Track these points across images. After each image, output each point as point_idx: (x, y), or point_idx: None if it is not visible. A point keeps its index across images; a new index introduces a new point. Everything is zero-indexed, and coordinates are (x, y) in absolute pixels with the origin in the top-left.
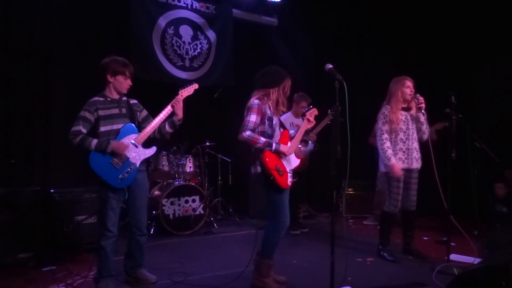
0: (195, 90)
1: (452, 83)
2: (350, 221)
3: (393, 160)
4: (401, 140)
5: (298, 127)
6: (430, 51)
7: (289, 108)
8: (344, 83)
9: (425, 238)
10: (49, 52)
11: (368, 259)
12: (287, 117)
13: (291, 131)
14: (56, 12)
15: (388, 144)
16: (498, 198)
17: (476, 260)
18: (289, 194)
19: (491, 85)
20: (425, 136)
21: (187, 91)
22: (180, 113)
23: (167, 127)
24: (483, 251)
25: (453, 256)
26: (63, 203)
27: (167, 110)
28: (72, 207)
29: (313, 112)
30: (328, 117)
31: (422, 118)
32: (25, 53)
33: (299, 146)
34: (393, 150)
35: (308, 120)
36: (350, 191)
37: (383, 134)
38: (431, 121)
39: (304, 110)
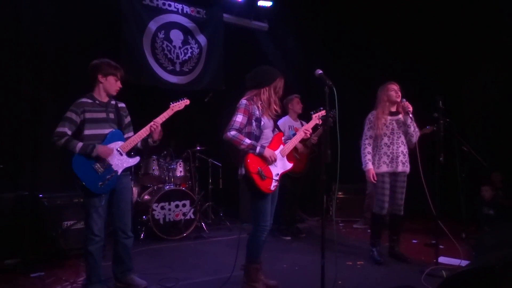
0: (186, 106)
1: (439, 88)
2: (341, 224)
3: (370, 166)
4: (386, 145)
5: (297, 130)
6: (418, 56)
7: (285, 113)
8: (334, 88)
9: (414, 241)
10: (37, 55)
11: (358, 263)
12: (286, 121)
13: (290, 133)
14: (45, 15)
15: (369, 149)
16: (485, 201)
17: (464, 263)
18: (285, 199)
19: (477, 89)
20: (414, 139)
21: (177, 106)
22: (156, 136)
23: (139, 144)
24: (471, 253)
25: (442, 259)
26: (51, 208)
27: (147, 128)
28: (61, 212)
29: (321, 114)
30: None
31: (409, 121)
32: (13, 56)
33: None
34: (377, 154)
35: (306, 130)
36: (340, 195)
37: (367, 139)
38: (419, 126)
39: (311, 113)
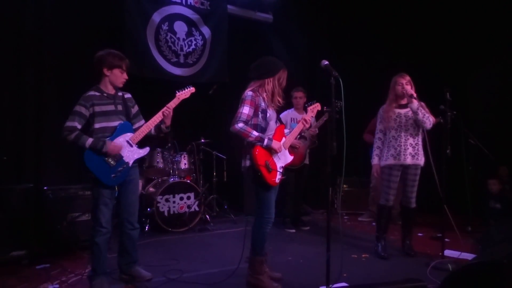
0: (191, 94)
1: (446, 80)
2: (346, 217)
3: (375, 161)
4: (393, 137)
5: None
6: (424, 49)
7: (290, 106)
8: (340, 79)
9: (419, 234)
10: (41, 47)
11: (363, 256)
12: (289, 113)
13: (292, 126)
14: (48, 7)
15: (378, 143)
16: (492, 195)
17: (470, 256)
18: (289, 192)
19: (485, 82)
20: (427, 126)
21: (184, 94)
22: (168, 122)
23: (153, 130)
24: (477, 247)
25: (448, 252)
26: (56, 201)
27: (160, 114)
28: (65, 204)
29: (316, 107)
30: (325, 114)
31: (415, 107)
32: (16, 48)
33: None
34: (386, 147)
35: (305, 121)
36: (345, 187)
37: (378, 133)
38: None
39: (306, 105)
